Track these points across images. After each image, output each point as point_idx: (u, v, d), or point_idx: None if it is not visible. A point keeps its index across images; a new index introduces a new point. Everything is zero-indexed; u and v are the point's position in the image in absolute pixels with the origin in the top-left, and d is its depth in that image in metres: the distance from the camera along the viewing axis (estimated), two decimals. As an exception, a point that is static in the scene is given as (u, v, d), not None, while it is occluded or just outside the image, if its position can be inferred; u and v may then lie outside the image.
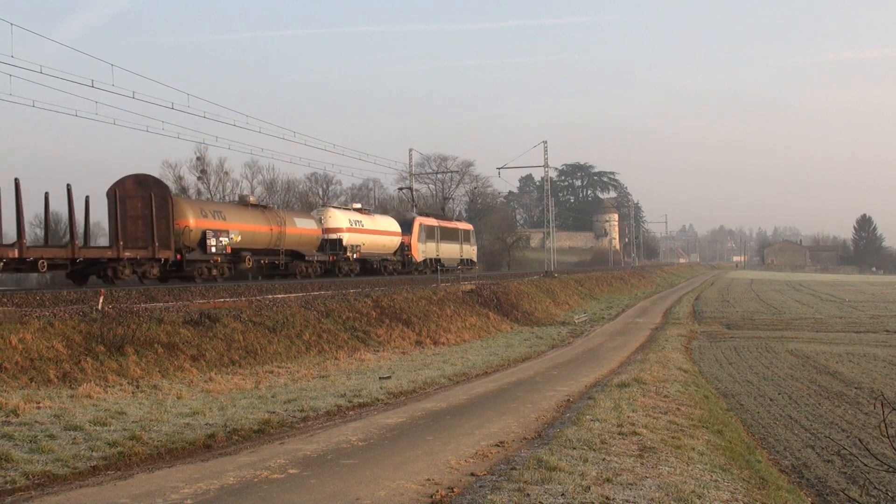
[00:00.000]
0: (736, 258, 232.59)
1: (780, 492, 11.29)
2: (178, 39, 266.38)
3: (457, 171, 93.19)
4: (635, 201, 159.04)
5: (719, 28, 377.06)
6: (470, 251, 54.39)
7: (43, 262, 20.99)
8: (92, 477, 9.14)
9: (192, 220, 27.34)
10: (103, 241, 34.60)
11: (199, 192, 60.57)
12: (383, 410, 14.42)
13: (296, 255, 33.37)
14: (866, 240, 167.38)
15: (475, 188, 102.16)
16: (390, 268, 41.71)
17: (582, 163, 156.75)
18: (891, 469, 9.59)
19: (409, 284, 35.82)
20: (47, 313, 17.24)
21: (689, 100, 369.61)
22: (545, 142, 59.70)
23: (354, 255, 37.27)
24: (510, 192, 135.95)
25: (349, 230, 37.16)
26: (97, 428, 11.50)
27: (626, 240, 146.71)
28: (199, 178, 62.73)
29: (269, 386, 17.11)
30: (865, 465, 12.79)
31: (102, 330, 17.34)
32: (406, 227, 43.46)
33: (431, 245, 45.92)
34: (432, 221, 47.55)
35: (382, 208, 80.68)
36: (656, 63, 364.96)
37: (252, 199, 34.57)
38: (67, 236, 24.67)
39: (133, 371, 16.56)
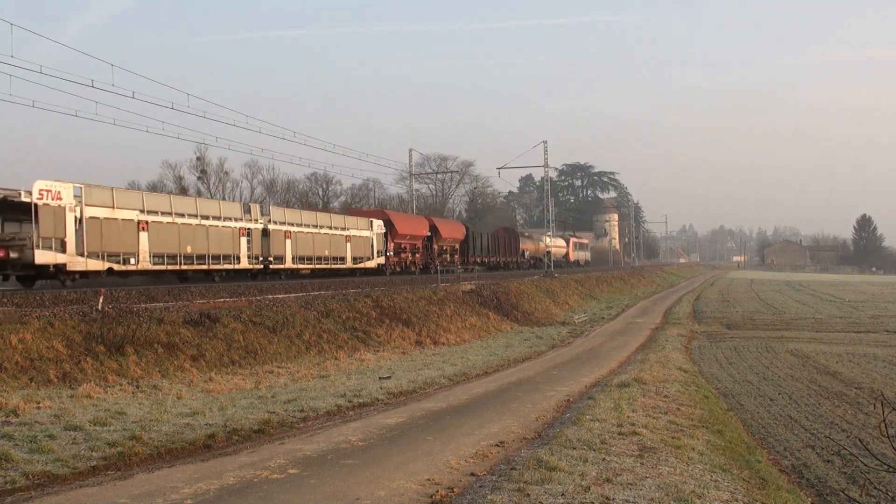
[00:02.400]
0: (736, 258, 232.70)
1: (780, 492, 11.29)
2: (178, 39, 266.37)
3: (457, 171, 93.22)
4: (635, 201, 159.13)
5: (719, 28, 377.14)
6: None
7: None
8: (92, 477, 9.14)
9: None
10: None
11: (198, 192, 60.61)
12: (383, 410, 14.42)
13: None
14: (866, 240, 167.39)
15: (475, 188, 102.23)
16: None
17: (582, 163, 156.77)
18: (891, 469, 9.58)
19: (409, 284, 35.83)
20: (47, 313, 17.24)
21: (689, 100, 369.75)
22: (545, 142, 59.69)
23: None
24: (510, 192, 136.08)
25: None
26: (97, 428, 11.50)
27: (626, 240, 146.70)
28: (199, 179, 62.81)
29: (269, 386, 17.11)
30: (865, 465, 12.78)
31: (102, 330, 17.34)
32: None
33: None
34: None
35: (383, 207, 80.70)
36: (657, 63, 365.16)
37: None
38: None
39: (133, 371, 16.56)
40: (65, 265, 22.62)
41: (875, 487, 12.14)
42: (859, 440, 14.40)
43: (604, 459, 10.07)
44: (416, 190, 72.41)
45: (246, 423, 12.42)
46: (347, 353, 23.34)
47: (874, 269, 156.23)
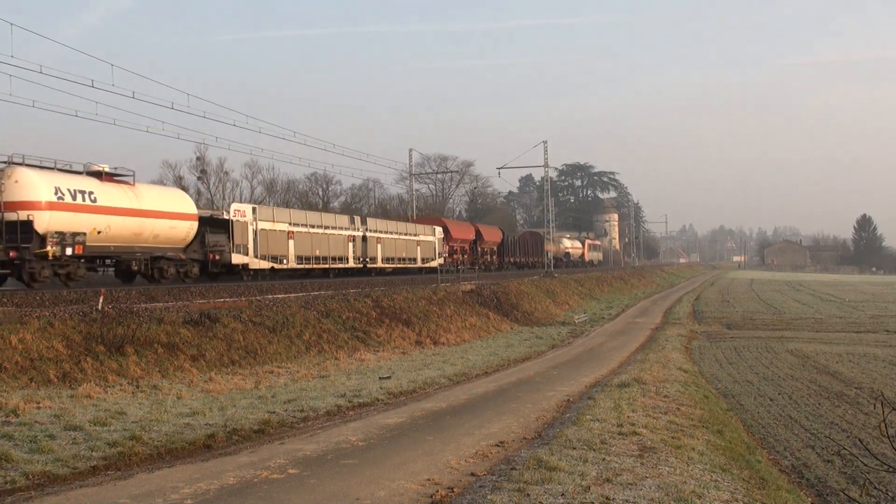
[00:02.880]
0: (736, 258, 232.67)
1: (780, 492, 11.29)
2: (178, 39, 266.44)
3: (457, 171, 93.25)
4: (635, 201, 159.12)
5: (719, 28, 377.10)
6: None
7: None
8: (92, 477, 9.13)
9: None
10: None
11: (198, 192, 60.60)
12: (383, 410, 14.42)
13: None
14: (866, 240, 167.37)
15: (475, 188, 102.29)
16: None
17: (582, 163, 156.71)
18: (891, 469, 9.58)
19: (409, 284, 35.84)
20: (47, 313, 17.23)
21: (689, 100, 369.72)
22: (545, 142, 59.77)
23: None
24: (510, 192, 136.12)
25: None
26: (97, 428, 11.50)
27: (626, 240, 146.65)
28: (198, 179, 62.78)
29: (269, 386, 17.10)
30: (865, 465, 12.78)
31: (102, 330, 17.33)
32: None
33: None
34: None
35: (382, 208, 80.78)
36: (656, 63, 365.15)
37: None
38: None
39: (133, 371, 16.56)
40: (248, 265, 30.07)
41: (875, 487, 12.14)
42: (859, 440, 14.40)
43: (604, 459, 10.07)
44: (416, 190, 72.50)
45: (246, 423, 12.42)
46: (347, 353, 23.34)
47: (874, 269, 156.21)
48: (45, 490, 8.51)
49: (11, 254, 20.60)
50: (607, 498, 8.22)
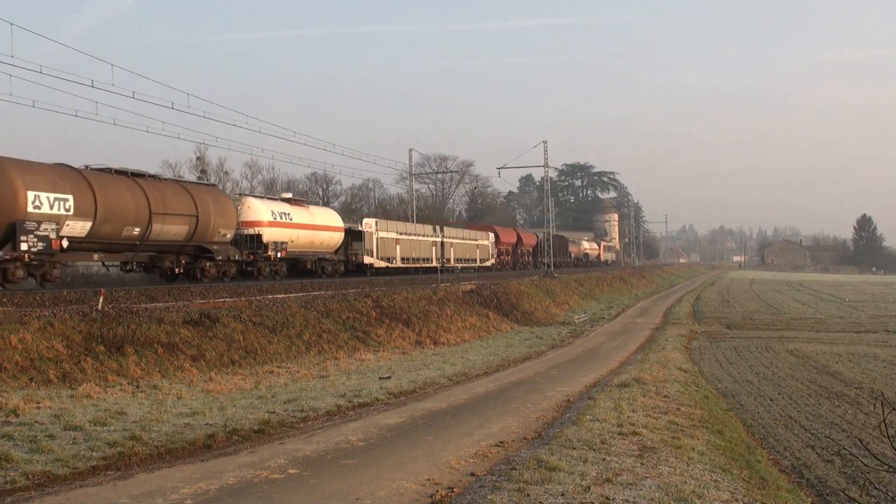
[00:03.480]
0: (736, 258, 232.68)
1: (780, 492, 11.29)
2: (178, 39, 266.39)
3: (457, 171, 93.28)
4: (635, 201, 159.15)
5: (719, 28, 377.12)
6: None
7: None
8: (92, 477, 9.13)
9: None
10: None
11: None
12: (383, 410, 14.41)
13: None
14: (866, 240, 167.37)
15: (475, 188, 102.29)
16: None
17: (582, 163, 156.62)
18: (891, 469, 9.58)
19: (409, 284, 35.83)
20: (47, 313, 17.23)
21: (689, 100, 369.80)
22: (545, 142, 59.77)
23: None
24: (510, 192, 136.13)
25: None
26: (97, 428, 11.50)
27: (626, 240, 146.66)
28: (198, 179, 62.76)
29: (269, 386, 17.10)
30: (865, 465, 12.78)
31: (102, 330, 17.33)
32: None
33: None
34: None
35: (382, 208, 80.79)
36: (656, 63, 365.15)
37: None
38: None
39: (133, 371, 16.55)
40: (372, 264, 40.00)
41: (875, 487, 12.14)
42: (859, 440, 14.40)
43: (604, 459, 10.07)
44: (416, 190, 72.60)
45: (246, 423, 12.42)
46: (347, 353, 23.33)
47: (874, 269, 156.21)
48: (45, 490, 8.51)
49: (251, 256, 29.61)
50: (607, 498, 8.22)
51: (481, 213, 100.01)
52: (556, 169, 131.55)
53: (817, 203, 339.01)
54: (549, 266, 63.24)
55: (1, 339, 15.33)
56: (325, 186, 78.62)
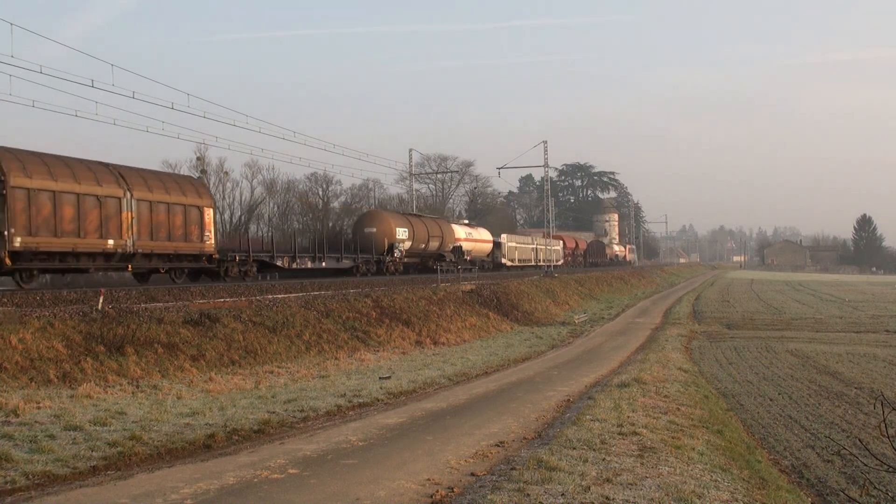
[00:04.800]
0: (736, 258, 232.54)
1: (780, 492, 11.29)
2: (178, 39, 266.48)
3: (457, 171, 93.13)
4: (635, 201, 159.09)
5: (719, 29, 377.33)
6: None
7: None
8: (92, 477, 9.14)
9: None
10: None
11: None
12: (383, 410, 14.42)
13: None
14: (866, 240, 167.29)
15: (475, 188, 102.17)
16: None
17: (582, 163, 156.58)
18: (891, 469, 9.58)
19: (409, 284, 35.82)
20: (47, 313, 17.24)
21: (689, 100, 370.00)
22: (545, 142, 59.70)
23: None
24: (510, 192, 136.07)
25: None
26: (97, 428, 11.50)
27: (627, 240, 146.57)
28: (198, 179, 62.73)
29: (269, 386, 17.10)
30: (865, 465, 12.77)
31: (102, 330, 17.34)
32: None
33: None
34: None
35: (382, 208, 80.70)
36: (656, 64, 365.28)
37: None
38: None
39: (133, 371, 16.56)
40: (506, 264, 58.15)
41: (875, 487, 12.14)
42: (859, 440, 14.39)
43: (604, 459, 10.07)
44: (416, 190, 72.52)
45: (246, 423, 12.42)
46: (347, 353, 23.33)
47: (874, 269, 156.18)
48: (46, 490, 8.51)
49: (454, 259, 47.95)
50: (607, 498, 8.23)
51: (481, 213, 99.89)
52: (556, 169, 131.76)
53: (817, 203, 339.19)
54: (592, 264, 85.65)
55: (1, 339, 15.34)
56: (325, 186, 78.40)
